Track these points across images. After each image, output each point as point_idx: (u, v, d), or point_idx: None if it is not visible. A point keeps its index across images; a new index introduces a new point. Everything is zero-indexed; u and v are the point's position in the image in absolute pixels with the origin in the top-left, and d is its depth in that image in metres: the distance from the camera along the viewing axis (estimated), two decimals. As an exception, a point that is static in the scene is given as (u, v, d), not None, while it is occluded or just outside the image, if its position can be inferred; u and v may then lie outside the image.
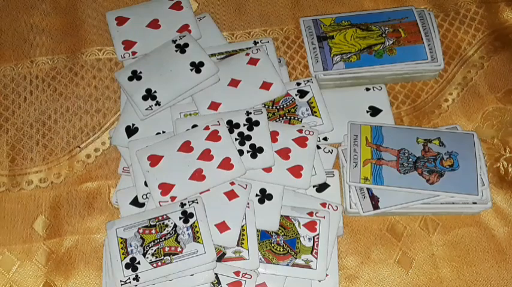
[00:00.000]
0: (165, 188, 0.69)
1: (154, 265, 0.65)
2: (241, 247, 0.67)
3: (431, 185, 0.70)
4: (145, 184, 0.70)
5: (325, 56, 0.78)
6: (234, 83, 0.76)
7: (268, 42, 0.81)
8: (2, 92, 0.82)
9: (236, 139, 0.72)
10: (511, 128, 0.79)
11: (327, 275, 0.67)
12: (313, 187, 0.72)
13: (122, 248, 0.66)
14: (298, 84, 0.78)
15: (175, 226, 0.66)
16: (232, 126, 0.72)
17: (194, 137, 0.71)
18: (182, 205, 0.68)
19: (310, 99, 0.76)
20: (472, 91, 0.81)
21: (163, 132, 0.75)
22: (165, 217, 0.67)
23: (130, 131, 0.75)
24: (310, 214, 0.69)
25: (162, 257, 0.65)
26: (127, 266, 0.65)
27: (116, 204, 0.73)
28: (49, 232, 0.74)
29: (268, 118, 0.73)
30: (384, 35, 0.79)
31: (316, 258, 0.67)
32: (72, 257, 0.72)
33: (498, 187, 0.75)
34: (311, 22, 0.81)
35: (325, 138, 0.76)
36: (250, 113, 0.73)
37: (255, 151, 0.71)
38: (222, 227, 0.67)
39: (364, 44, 0.78)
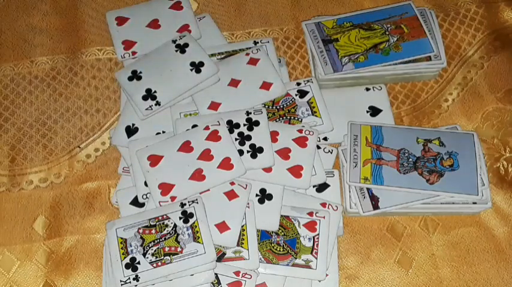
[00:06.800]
0: (165, 188, 0.69)
1: (154, 265, 0.65)
2: (241, 247, 0.67)
3: (431, 185, 0.70)
4: (145, 184, 0.70)
5: (334, 58, 0.78)
6: (234, 83, 0.76)
7: (268, 42, 0.81)
8: (2, 92, 0.82)
9: (236, 139, 0.72)
10: (511, 128, 0.79)
11: (327, 275, 0.67)
12: (313, 187, 0.72)
13: (122, 248, 0.66)
14: (298, 84, 0.78)
15: (175, 226, 0.66)
16: (232, 126, 0.72)
17: (194, 137, 0.71)
18: (182, 205, 0.68)
19: (310, 99, 0.76)
20: (472, 91, 0.81)
21: (163, 132, 0.75)
22: (165, 217, 0.67)
23: (131, 131, 0.75)
24: (310, 214, 0.69)
25: (162, 257, 0.65)
26: (127, 266, 0.65)
27: (116, 204, 0.73)
28: (49, 232, 0.74)
29: (268, 118, 0.73)
30: (387, 33, 0.79)
31: (316, 258, 0.67)
32: (72, 257, 0.72)
33: (498, 187, 0.75)
34: (314, 26, 0.81)
35: (325, 139, 0.76)
36: (250, 113, 0.73)
37: (255, 151, 0.71)
38: (222, 227, 0.67)
39: (370, 43, 0.78)
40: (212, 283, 0.66)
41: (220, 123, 0.72)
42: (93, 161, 0.78)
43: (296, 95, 0.77)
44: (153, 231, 0.66)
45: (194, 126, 0.73)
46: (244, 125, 0.72)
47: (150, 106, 0.74)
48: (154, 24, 0.82)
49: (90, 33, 0.86)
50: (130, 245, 0.66)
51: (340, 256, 0.71)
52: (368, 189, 0.71)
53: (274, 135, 0.72)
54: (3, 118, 0.81)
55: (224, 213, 0.68)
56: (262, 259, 0.67)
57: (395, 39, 0.78)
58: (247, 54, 0.78)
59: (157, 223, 0.67)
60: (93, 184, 0.76)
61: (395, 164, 0.72)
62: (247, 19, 0.87)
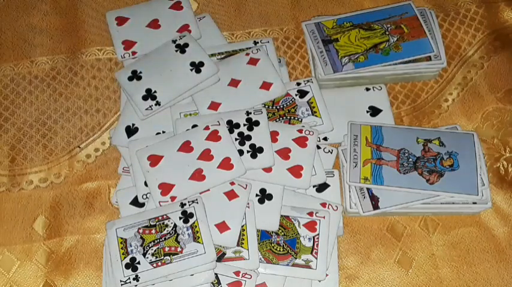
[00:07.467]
0: (165, 188, 0.69)
1: (154, 265, 0.65)
2: (241, 247, 0.67)
3: (431, 185, 0.70)
4: (145, 184, 0.70)
5: (333, 59, 0.78)
6: (234, 83, 0.76)
7: (268, 42, 0.81)
8: (2, 92, 0.82)
9: (236, 139, 0.72)
10: (511, 128, 0.79)
11: (327, 275, 0.67)
12: (313, 187, 0.72)
13: (122, 248, 0.66)
14: (298, 84, 0.78)
15: (175, 226, 0.66)
16: (232, 126, 0.72)
17: (194, 137, 0.71)
18: (182, 205, 0.68)
19: (310, 99, 0.76)
20: (472, 91, 0.81)
21: (163, 132, 0.75)
22: (165, 217, 0.67)
23: (131, 131, 0.75)
24: (310, 214, 0.69)
25: (162, 257, 0.65)
26: (127, 266, 0.65)
27: (116, 204, 0.73)
28: (49, 232, 0.74)
29: (268, 118, 0.73)
30: (387, 33, 0.79)
31: (316, 258, 0.67)
32: (72, 257, 0.72)
33: (498, 187, 0.75)
34: (314, 26, 0.81)
35: (325, 139, 0.76)
36: (250, 113, 0.73)
37: (255, 151, 0.71)
38: (222, 227, 0.67)
39: (370, 43, 0.78)
40: (212, 283, 0.66)
41: (220, 123, 0.72)
42: (93, 161, 0.78)
43: (296, 95, 0.77)
44: (153, 231, 0.66)
45: (194, 126, 0.73)
46: (244, 125, 0.72)
47: (150, 106, 0.74)
48: (154, 24, 0.82)
49: (90, 33, 0.86)
50: (130, 245, 0.66)
51: (340, 256, 0.71)
52: (368, 189, 0.71)
53: (274, 135, 0.72)
54: (3, 118, 0.81)
55: (224, 213, 0.68)
56: (262, 259, 0.67)
57: (395, 39, 0.79)
58: (247, 54, 0.78)
59: (157, 223, 0.67)
60: (93, 184, 0.76)
61: (395, 164, 0.72)
62: (247, 19, 0.87)
